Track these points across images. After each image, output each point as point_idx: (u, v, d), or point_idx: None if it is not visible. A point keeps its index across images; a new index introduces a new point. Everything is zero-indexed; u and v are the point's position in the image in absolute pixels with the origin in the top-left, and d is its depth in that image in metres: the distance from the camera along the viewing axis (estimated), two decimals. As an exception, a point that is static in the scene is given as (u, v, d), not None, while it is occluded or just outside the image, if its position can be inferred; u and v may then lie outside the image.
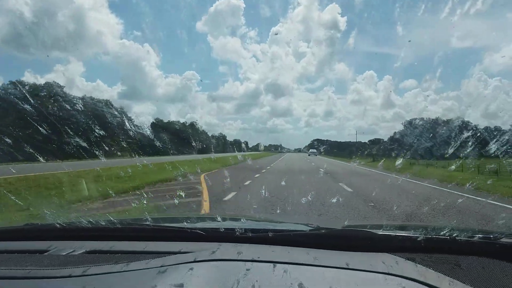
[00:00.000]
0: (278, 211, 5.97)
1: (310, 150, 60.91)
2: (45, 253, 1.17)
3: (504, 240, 1.11)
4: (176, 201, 7.66)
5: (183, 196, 8.81)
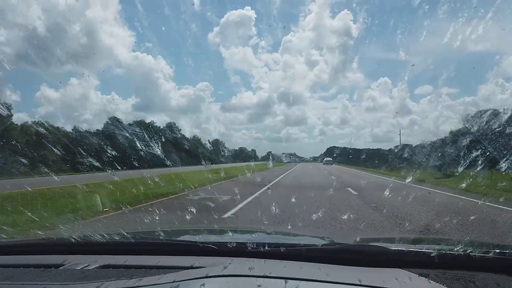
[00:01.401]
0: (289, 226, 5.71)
1: (325, 159, 54.57)
2: (60, 268, 1.20)
3: None
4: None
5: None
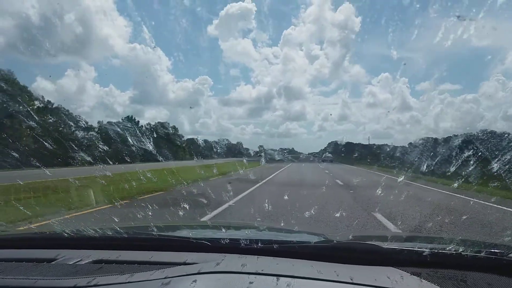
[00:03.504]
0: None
1: (324, 155, 46.22)
2: (52, 262, 1.19)
3: (511, 255, 1.09)
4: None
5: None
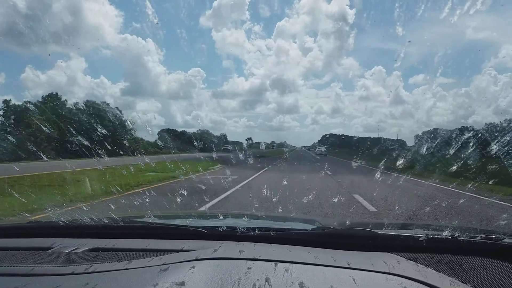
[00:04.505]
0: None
1: (318, 148, 44.50)
2: (48, 250, 1.18)
3: (506, 240, 1.11)
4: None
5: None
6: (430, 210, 6.88)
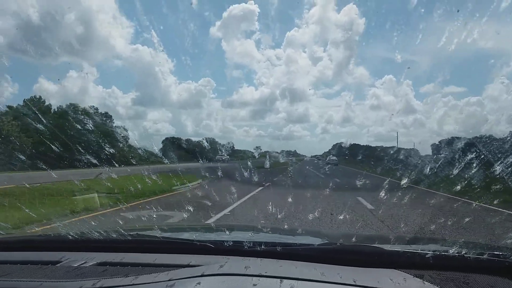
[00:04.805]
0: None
1: (328, 158, 42.40)
2: (57, 264, 1.20)
3: None
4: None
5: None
6: None
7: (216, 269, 1.06)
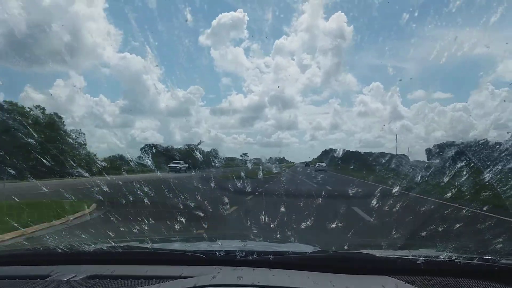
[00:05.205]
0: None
1: (318, 165, 41.67)
2: (47, 279, 1.17)
3: (503, 262, 1.11)
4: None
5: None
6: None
7: (209, 280, 1.05)
